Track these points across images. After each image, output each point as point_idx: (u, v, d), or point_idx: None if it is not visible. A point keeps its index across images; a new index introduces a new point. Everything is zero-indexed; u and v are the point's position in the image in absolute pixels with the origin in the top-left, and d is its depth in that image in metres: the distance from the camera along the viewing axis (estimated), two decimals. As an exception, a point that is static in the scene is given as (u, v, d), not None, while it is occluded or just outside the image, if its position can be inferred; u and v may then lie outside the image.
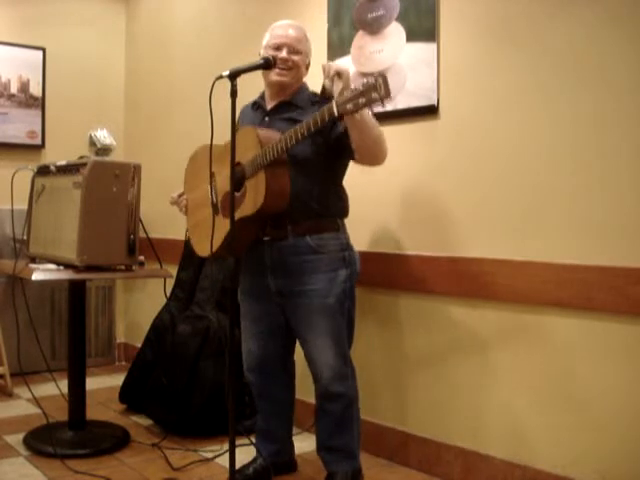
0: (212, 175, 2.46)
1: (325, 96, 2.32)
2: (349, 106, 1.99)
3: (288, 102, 2.44)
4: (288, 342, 2.56)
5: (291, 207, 2.30)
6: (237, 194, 2.33)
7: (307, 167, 2.32)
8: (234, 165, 2.13)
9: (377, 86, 1.93)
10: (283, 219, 2.33)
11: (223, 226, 2.33)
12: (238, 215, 2.28)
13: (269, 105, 2.48)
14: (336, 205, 2.44)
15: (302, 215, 2.35)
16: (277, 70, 2.38)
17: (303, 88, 2.49)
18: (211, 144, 2.28)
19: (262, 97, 2.53)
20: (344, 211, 2.48)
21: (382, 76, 1.93)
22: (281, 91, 2.45)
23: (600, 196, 2.20)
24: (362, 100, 1.96)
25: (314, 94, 2.45)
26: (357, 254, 2.48)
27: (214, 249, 2.35)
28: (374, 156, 2.32)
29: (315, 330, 2.38)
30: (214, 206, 2.45)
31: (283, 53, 2.38)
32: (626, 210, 2.14)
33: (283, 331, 2.50)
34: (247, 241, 2.42)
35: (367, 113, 2.19)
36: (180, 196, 2.66)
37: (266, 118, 2.46)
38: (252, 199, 2.28)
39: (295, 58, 2.39)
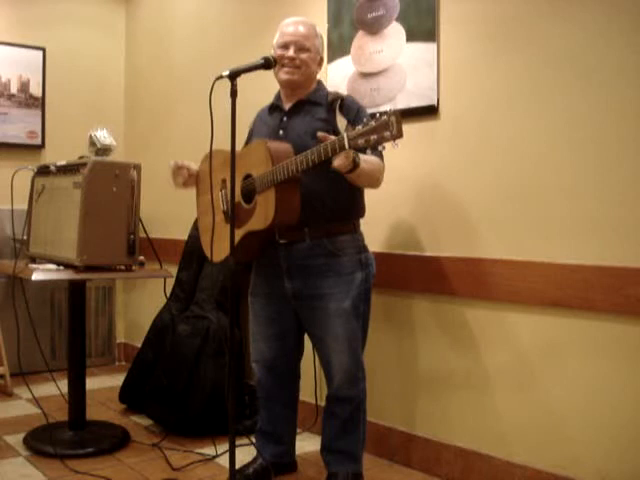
0: (224, 181, 2.47)
1: (342, 96, 2.35)
2: (360, 141, 1.95)
3: (306, 100, 2.43)
4: (298, 344, 2.56)
5: (308, 209, 2.30)
6: (248, 206, 2.36)
7: (324, 169, 2.27)
8: (234, 164, 2.13)
9: (389, 124, 1.89)
10: (300, 222, 2.32)
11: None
12: (248, 228, 2.34)
13: (287, 105, 2.47)
14: (353, 206, 2.43)
15: (319, 218, 2.34)
16: (285, 69, 2.39)
17: (320, 87, 2.50)
18: (211, 144, 2.28)
19: (278, 98, 2.52)
20: (361, 212, 2.47)
21: (395, 115, 1.89)
22: (295, 90, 2.44)
23: (599, 196, 2.20)
24: (374, 137, 1.92)
25: (330, 93, 2.45)
26: (372, 256, 2.48)
27: (222, 257, 2.43)
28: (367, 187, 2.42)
29: (330, 334, 2.38)
30: (224, 213, 2.49)
31: (290, 52, 2.38)
32: (625, 210, 2.14)
33: (294, 333, 2.51)
34: (257, 250, 2.45)
35: (366, 170, 2.18)
36: (181, 168, 2.59)
37: (284, 118, 2.45)
38: (262, 215, 2.29)
39: (303, 56, 2.39)
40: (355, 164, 2.11)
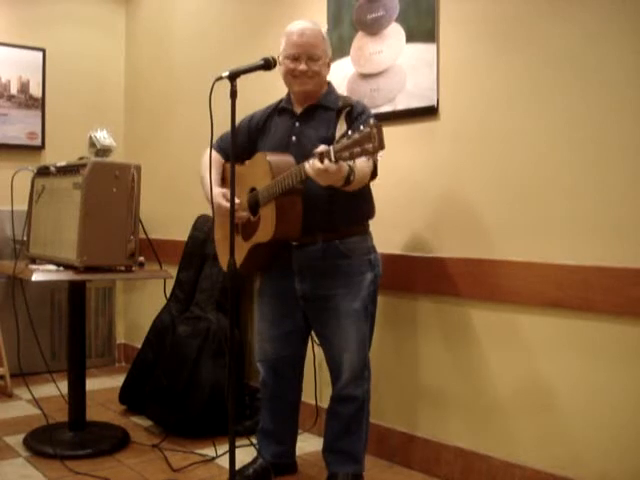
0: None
1: (352, 103, 2.35)
2: (345, 154, 1.95)
3: (317, 105, 2.43)
4: (303, 345, 2.57)
5: (320, 213, 2.31)
6: (253, 218, 2.39)
7: None
8: (234, 165, 2.13)
9: (372, 137, 1.89)
10: (312, 226, 2.33)
11: (241, 248, 2.38)
12: (254, 241, 2.38)
13: (298, 110, 2.46)
14: (364, 208, 2.44)
15: (331, 220, 2.35)
16: (299, 80, 2.38)
17: (331, 89, 2.49)
18: (211, 145, 2.30)
19: (288, 101, 2.50)
20: (371, 213, 2.48)
21: (377, 127, 1.88)
22: (309, 96, 2.43)
23: (599, 197, 2.20)
24: (357, 150, 1.93)
25: (340, 97, 2.43)
26: (379, 257, 2.48)
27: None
28: None
29: (340, 334, 2.38)
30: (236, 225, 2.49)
31: (302, 65, 2.37)
32: (625, 211, 2.14)
33: (301, 334, 2.52)
34: (268, 259, 2.46)
35: (357, 181, 2.17)
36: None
37: (296, 124, 2.44)
38: (265, 228, 2.32)
39: (315, 68, 2.38)
40: (347, 181, 2.11)
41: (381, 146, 1.89)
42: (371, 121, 1.91)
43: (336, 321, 2.38)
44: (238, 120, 2.15)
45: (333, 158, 1.98)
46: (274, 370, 2.56)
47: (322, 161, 2.02)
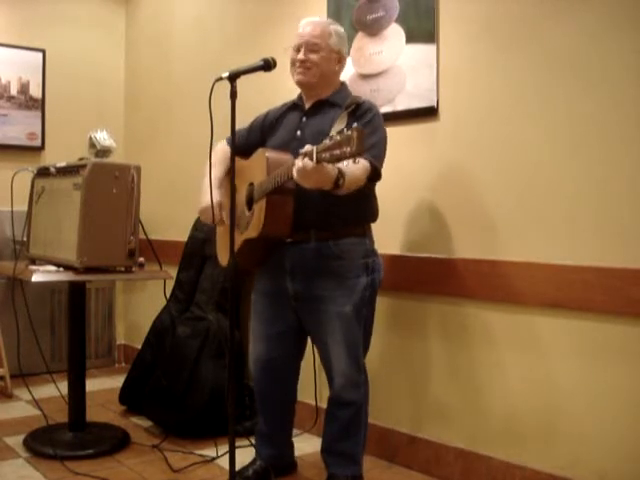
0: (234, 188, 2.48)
1: (359, 101, 2.35)
2: (326, 155, 1.93)
3: (325, 101, 2.44)
4: (298, 345, 2.55)
5: (315, 211, 2.30)
6: (248, 213, 2.39)
7: None
8: (234, 167, 2.13)
9: (351, 140, 1.86)
10: (307, 223, 2.32)
11: (236, 241, 2.37)
12: (245, 235, 2.38)
13: (307, 104, 2.48)
14: (364, 209, 2.41)
15: (327, 220, 2.34)
16: (297, 69, 2.41)
17: (343, 88, 2.50)
18: (211, 145, 2.29)
19: (301, 97, 2.52)
20: (371, 216, 2.46)
21: (358, 130, 1.86)
22: (312, 90, 2.45)
23: (600, 197, 2.20)
24: (337, 152, 1.90)
25: (350, 96, 2.43)
26: (381, 260, 2.47)
27: (226, 261, 2.44)
28: None
29: (330, 337, 2.37)
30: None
31: (300, 54, 2.40)
32: (625, 211, 2.15)
33: (295, 334, 2.49)
34: (261, 257, 2.46)
35: (346, 186, 2.14)
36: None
37: (303, 118, 2.45)
38: (255, 224, 2.32)
39: (313, 57, 2.39)
40: (336, 185, 2.09)
41: (359, 151, 1.86)
42: (354, 125, 1.88)
43: (326, 323, 2.36)
44: (239, 121, 2.15)
45: (314, 158, 1.97)
46: (266, 370, 2.53)
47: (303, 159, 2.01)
